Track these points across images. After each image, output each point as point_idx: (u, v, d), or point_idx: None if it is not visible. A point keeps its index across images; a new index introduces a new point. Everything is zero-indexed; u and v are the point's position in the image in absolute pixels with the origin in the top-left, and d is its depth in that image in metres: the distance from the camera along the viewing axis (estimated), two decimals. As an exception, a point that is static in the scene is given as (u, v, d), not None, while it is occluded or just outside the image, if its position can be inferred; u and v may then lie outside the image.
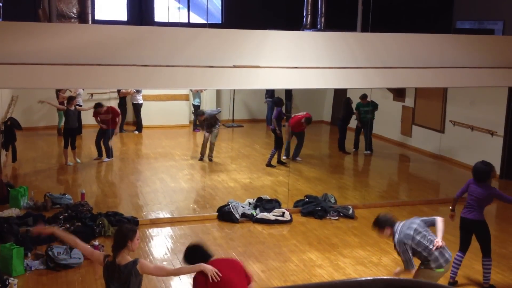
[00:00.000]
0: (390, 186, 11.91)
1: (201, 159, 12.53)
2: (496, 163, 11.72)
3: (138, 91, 14.79)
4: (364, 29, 9.19)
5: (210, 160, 12.47)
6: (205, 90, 13.21)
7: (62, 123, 13.94)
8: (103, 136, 12.11)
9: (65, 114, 11.90)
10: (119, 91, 14.55)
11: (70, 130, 11.71)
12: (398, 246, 5.60)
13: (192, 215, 9.18)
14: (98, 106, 12.03)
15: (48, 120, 14.61)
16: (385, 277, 1.43)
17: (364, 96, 13.28)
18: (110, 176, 11.74)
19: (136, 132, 15.06)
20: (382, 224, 5.73)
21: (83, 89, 13.29)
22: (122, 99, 14.87)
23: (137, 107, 15.03)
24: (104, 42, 7.01)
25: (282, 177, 11.31)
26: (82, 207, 8.86)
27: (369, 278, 1.42)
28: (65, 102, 12.02)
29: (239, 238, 8.37)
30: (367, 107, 13.30)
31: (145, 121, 15.17)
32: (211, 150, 12.53)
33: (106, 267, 4.62)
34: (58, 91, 13.52)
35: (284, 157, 12.59)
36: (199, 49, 7.36)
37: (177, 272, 5.23)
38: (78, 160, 11.96)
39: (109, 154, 12.20)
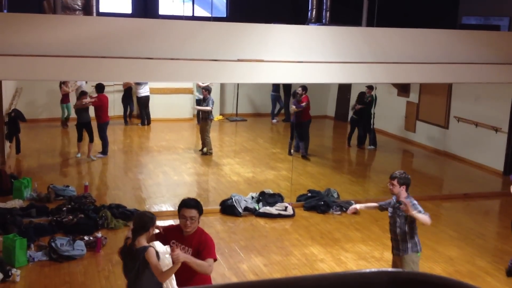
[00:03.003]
0: (393, 182, 11.88)
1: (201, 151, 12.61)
2: (500, 159, 11.70)
3: (138, 84, 14.69)
4: (370, 24, 9.16)
5: (204, 153, 12.46)
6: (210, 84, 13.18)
7: (66, 115, 13.99)
8: (99, 128, 11.81)
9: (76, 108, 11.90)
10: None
11: (81, 124, 11.70)
12: (413, 207, 5.54)
13: (195, 209, 9.17)
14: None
15: (51, 112, 14.63)
16: (389, 269, 1.41)
17: (369, 87, 13.28)
18: (114, 169, 11.75)
19: (139, 125, 15.04)
20: (403, 181, 5.69)
21: (86, 82, 13.28)
22: (127, 91, 14.85)
23: (139, 100, 14.99)
24: (108, 35, 7.01)
25: (285, 172, 11.30)
26: (85, 199, 8.87)
27: (373, 270, 1.41)
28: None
29: (241, 232, 8.37)
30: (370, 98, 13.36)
31: (148, 114, 15.18)
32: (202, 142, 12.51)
33: (123, 250, 4.67)
34: (61, 83, 13.53)
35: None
36: (204, 43, 7.35)
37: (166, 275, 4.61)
38: (93, 157, 11.66)
39: (104, 150, 11.85)
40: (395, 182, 5.70)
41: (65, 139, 13.88)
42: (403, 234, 5.72)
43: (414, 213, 5.52)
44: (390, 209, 5.88)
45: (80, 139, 11.73)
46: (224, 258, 7.38)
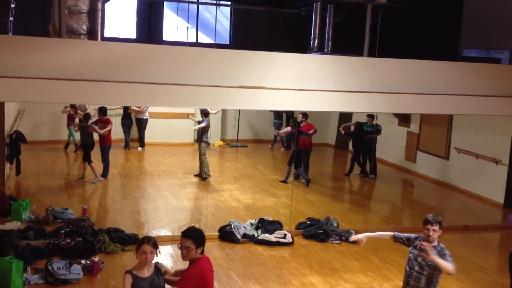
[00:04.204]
0: (393, 212, 11.85)
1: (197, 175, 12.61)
2: (501, 192, 11.67)
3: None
4: (371, 54, 9.24)
5: (202, 178, 12.47)
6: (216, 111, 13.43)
7: (72, 138, 14.01)
8: (102, 151, 11.90)
9: (81, 131, 11.99)
10: (129, 107, 14.59)
11: (90, 147, 11.77)
12: (440, 250, 5.08)
13: (193, 234, 9.11)
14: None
15: (53, 134, 14.65)
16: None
17: (370, 116, 13.34)
18: (113, 192, 11.72)
19: (140, 148, 15.06)
20: (441, 226, 5.19)
21: (88, 105, 13.33)
22: (128, 114, 14.92)
23: (140, 123, 15.04)
24: (112, 59, 7.07)
25: (284, 199, 11.27)
26: (84, 222, 8.83)
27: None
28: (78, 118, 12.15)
29: (239, 259, 8.31)
30: (371, 128, 13.38)
31: (149, 138, 15.20)
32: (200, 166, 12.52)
33: None
34: (77, 107, 13.53)
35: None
36: (206, 69, 7.41)
37: None
38: (93, 180, 11.79)
39: (105, 173, 11.92)
40: (436, 227, 5.13)
41: (66, 162, 13.87)
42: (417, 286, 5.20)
43: (435, 257, 4.94)
44: (414, 250, 5.28)
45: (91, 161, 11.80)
46: (222, 285, 7.31)
